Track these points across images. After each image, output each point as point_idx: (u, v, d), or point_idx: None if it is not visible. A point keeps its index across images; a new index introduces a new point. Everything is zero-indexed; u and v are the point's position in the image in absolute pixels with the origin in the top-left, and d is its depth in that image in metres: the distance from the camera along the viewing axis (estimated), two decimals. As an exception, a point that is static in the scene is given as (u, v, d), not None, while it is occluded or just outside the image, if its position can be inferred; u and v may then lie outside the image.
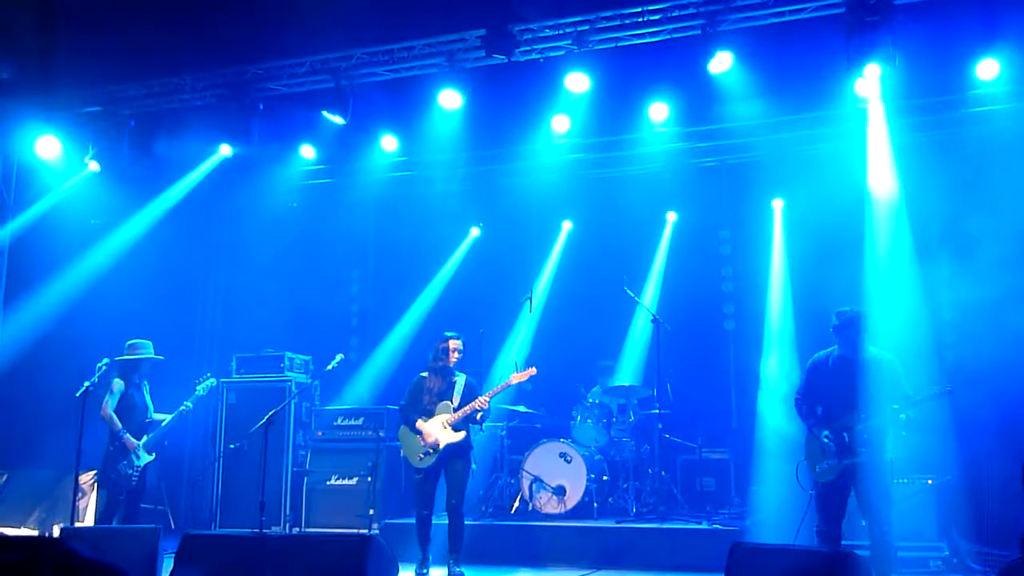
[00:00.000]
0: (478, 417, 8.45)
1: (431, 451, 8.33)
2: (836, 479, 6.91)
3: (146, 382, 9.23)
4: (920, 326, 10.12)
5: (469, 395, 8.49)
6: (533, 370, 8.67)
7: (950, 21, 8.61)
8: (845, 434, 6.83)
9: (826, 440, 6.91)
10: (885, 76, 8.48)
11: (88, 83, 9.94)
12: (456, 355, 8.53)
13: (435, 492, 8.44)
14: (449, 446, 8.33)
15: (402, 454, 8.71)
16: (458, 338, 8.59)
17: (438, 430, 8.36)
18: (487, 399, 8.40)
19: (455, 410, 8.40)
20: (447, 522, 8.31)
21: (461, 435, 8.37)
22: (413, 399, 8.56)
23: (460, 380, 8.59)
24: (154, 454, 9.07)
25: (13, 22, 9.06)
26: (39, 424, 10.51)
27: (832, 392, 7.07)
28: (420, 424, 8.40)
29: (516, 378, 8.59)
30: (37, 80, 9.75)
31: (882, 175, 10.37)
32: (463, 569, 8.22)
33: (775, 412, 10.56)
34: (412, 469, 8.53)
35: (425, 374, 8.63)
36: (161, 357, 9.30)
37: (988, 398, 8.97)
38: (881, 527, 6.72)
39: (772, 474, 10.03)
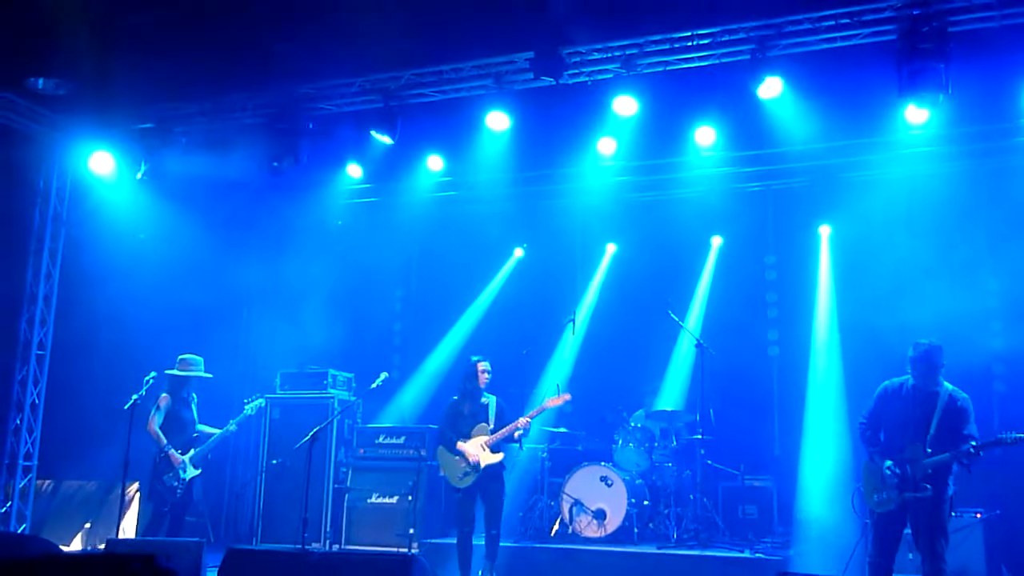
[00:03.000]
0: (517, 436, 8.70)
1: (471, 471, 8.57)
2: (894, 510, 6.78)
3: (194, 395, 9.34)
4: (970, 356, 9.98)
5: (501, 416, 8.83)
6: (567, 396, 8.99)
7: (1004, 49, 8.50)
8: (909, 467, 6.69)
9: (888, 471, 6.78)
10: (937, 104, 8.39)
11: (142, 100, 10.10)
12: (485, 377, 8.87)
13: (475, 510, 8.70)
14: (488, 467, 8.61)
15: (441, 473, 8.95)
16: (485, 360, 8.93)
17: (477, 451, 8.63)
18: (528, 420, 8.67)
19: (492, 432, 8.70)
20: (484, 539, 8.57)
21: (500, 456, 8.69)
22: (450, 422, 8.85)
23: (491, 402, 8.91)
24: (200, 468, 9.15)
25: (69, 39, 9.23)
26: (87, 436, 10.63)
27: (900, 422, 6.92)
28: (460, 445, 8.67)
29: (551, 402, 8.91)
30: (92, 97, 9.92)
31: (931, 202, 10.27)
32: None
33: (819, 440, 10.47)
34: (452, 488, 8.80)
35: (457, 397, 8.95)
36: (210, 375, 9.41)
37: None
38: (936, 563, 6.57)
39: (815, 503, 9.93)
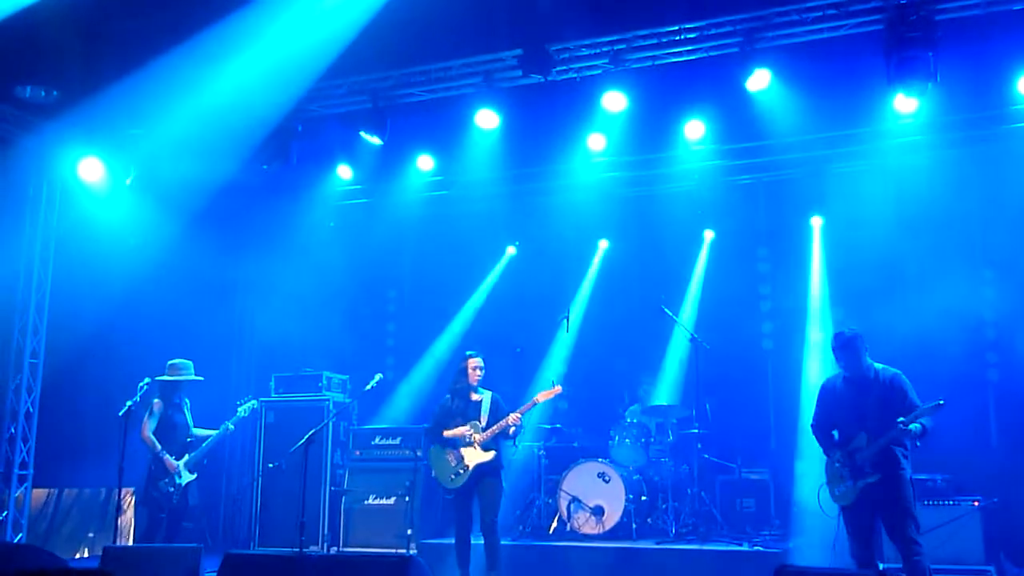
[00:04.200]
0: (511, 432, 8.47)
1: (461, 471, 8.39)
2: (855, 502, 6.79)
3: (187, 399, 9.31)
4: (962, 344, 10.01)
5: (496, 412, 8.55)
6: (559, 388, 8.76)
7: (991, 37, 8.51)
8: (856, 455, 6.72)
9: (838, 464, 6.83)
10: (925, 92, 8.39)
11: (129, 106, 10.05)
12: (478, 373, 8.61)
13: (471, 511, 8.49)
14: (480, 465, 8.39)
15: (433, 475, 8.77)
16: (477, 356, 8.66)
17: (468, 450, 8.42)
18: (519, 416, 8.45)
19: (484, 429, 8.46)
20: (483, 542, 8.33)
21: (492, 454, 8.43)
22: (439, 422, 8.63)
23: (486, 398, 8.65)
24: (195, 473, 9.12)
25: (56, 45, 9.19)
26: (83, 444, 10.59)
27: (842, 414, 6.96)
28: (447, 432, 8.48)
29: (542, 396, 8.66)
30: (80, 104, 9.87)
31: (922, 191, 10.27)
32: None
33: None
34: (445, 490, 8.59)
35: (448, 396, 8.73)
36: (201, 378, 9.37)
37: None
38: (909, 547, 6.54)
39: (812, 495, 9.93)
